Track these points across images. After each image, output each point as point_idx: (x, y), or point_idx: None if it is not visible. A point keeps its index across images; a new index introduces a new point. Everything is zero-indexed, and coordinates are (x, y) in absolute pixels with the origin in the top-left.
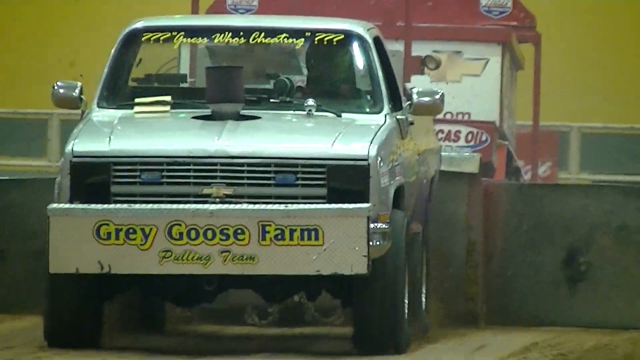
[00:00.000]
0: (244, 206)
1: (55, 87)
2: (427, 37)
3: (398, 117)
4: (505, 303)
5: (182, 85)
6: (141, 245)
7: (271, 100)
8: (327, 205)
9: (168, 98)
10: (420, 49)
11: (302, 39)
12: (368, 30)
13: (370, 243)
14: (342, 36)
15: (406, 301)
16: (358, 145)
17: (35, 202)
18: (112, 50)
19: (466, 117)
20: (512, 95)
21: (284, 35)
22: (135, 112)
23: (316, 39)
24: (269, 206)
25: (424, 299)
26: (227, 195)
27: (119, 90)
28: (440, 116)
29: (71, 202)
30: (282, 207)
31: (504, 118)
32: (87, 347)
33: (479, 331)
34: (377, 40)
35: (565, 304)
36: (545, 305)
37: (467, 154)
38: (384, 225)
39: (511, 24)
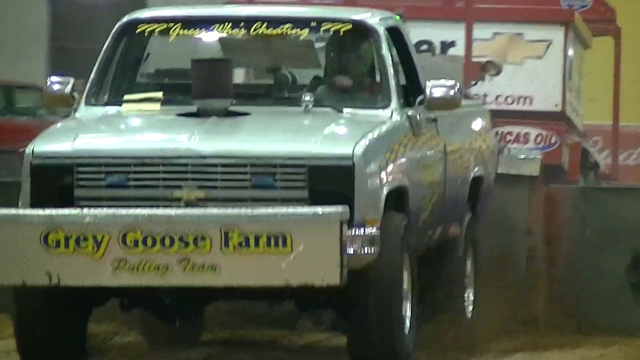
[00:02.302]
0: (205, 210)
1: (48, 84)
2: (488, 18)
3: (410, 112)
4: (567, 310)
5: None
6: (93, 254)
7: (267, 96)
8: (295, 209)
9: (159, 94)
10: (480, 32)
11: (307, 29)
12: (381, 20)
13: (352, 250)
14: (350, 26)
15: (408, 312)
16: (343, 143)
17: None
18: (105, 44)
19: (528, 101)
20: (579, 76)
21: (288, 25)
22: (124, 109)
23: (322, 29)
24: (232, 210)
25: (468, 304)
26: (199, 199)
27: (109, 87)
28: (501, 100)
29: (33, 207)
30: (247, 211)
31: (567, 100)
32: None
33: (537, 338)
34: (393, 31)
35: (629, 312)
36: (608, 313)
37: (527, 156)
38: (371, 231)
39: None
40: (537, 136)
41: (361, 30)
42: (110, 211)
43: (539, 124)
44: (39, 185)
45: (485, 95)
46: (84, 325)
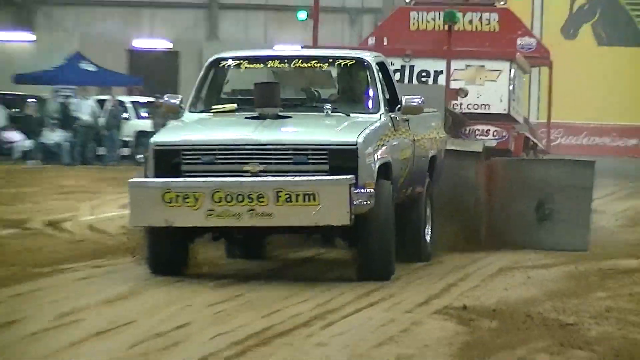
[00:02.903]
0: (264, 178)
1: (165, 98)
2: (462, 56)
3: (392, 115)
4: (498, 233)
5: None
6: (193, 206)
7: (302, 105)
8: (321, 177)
9: (234, 105)
10: (458, 64)
11: (327, 64)
12: (374, 57)
13: (356, 202)
14: (354, 61)
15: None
16: (350, 135)
17: None
18: (201, 72)
19: (487, 107)
20: (521, 91)
21: (315, 61)
22: (212, 115)
23: (336, 63)
24: (281, 178)
25: (427, 235)
26: (260, 171)
27: (204, 100)
28: (470, 107)
29: (156, 177)
30: (290, 178)
31: (512, 107)
32: (177, 274)
33: (479, 251)
34: (381, 64)
35: (535, 235)
36: (524, 235)
37: (474, 139)
38: (368, 190)
39: (534, 55)
40: (494, 131)
41: (361, 64)
42: (203, 179)
43: (495, 124)
44: (159, 162)
45: (461, 104)
46: (187, 251)
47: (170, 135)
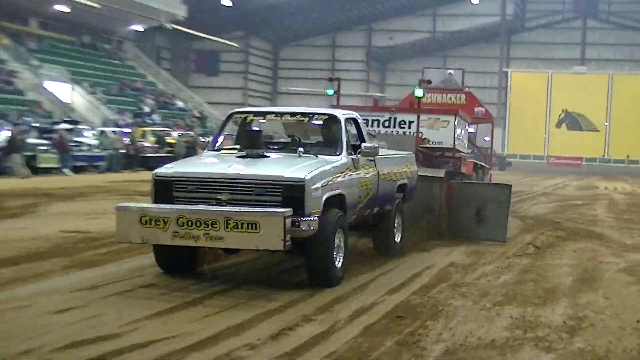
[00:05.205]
0: (216, 208)
1: (200, 139)
2: (426, 112)
3: (353, 157)
4: (453, 230)
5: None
6: (162, 228)
7: (285, 148)
8: (262, 209)
9: (237, 146)
10: (423, 117)
11: (308, 118)
12: (343, 114)
13: (301, 228)
14: (328, 117)
15: (342, 257)
16: (301, 173)
17: None
18: (221, 122)
19: (441, 144)
20: (465, 134)
21: (299, 116)
22: (221, 153)
23: (315, 117)
24: (231, 208)
25: (397, 239)
26: (230, 199)
27: (220, 143)
28: (433, 143)
29: (155, 203)
30: (237, 209)
31: (457, 143)
32: (184, 273)
33: (443, 243)
34: (353, 120)
35: (475, 231)
36: (468, 232)
37: (440, 168)
38: (312, 218)
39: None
40: (452, 161)
41: (333, 119)
42: (170, 207)
43: (453, 158)
44: (158, 190)
45: (429, 142)
46: (192, 253)
47: (168, 168)
